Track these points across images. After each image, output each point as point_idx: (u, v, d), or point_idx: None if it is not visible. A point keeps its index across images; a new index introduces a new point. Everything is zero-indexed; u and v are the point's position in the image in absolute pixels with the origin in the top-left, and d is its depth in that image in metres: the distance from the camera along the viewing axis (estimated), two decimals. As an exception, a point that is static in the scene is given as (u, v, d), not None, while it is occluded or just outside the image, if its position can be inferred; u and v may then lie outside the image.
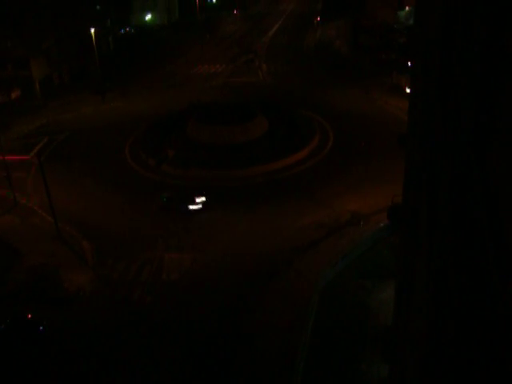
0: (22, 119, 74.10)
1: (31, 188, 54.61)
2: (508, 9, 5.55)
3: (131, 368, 33.19)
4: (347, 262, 41.37)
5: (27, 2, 77.56)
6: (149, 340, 35.26)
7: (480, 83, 6.59)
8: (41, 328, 35.99)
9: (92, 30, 77.90)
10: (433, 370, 8.49)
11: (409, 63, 73.01)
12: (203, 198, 49.49)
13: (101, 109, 78.03)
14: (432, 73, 12.71)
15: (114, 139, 65.98)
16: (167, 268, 42.06)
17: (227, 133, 60.62)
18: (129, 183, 55.36)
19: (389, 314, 32.50)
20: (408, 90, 69.56)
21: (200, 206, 49.16)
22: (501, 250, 5.07)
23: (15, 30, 76.78)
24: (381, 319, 35.51)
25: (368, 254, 42.30)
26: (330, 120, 67.40)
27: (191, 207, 49.09)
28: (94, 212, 50.27)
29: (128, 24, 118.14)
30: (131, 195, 52.90)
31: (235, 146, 58.66)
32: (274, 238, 44.67)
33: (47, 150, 64.00)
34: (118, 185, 55.03)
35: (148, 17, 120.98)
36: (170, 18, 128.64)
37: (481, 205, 5.81)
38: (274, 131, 62.26)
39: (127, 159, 60.59)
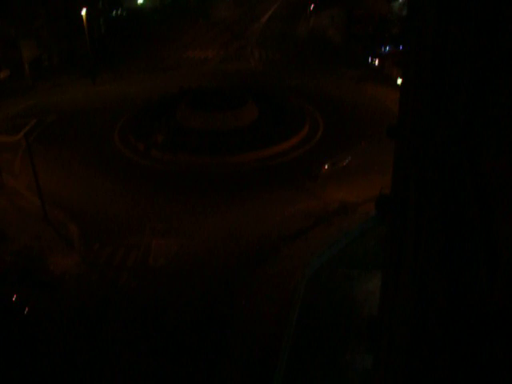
0: (11, 100, 73.43)
1: (19, 170, 54.21)
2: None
3: (115, 352, 33.16)
4: (334, 252, 41.48)
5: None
6: (133, 324, 35.24)
7: (474, 74, 6.50)
8: (26, 310, 35.88)
9: (83, 11, 77.01)
10: (416, 362, 8.47)
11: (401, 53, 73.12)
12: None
13: (91, 91, 77.41)
14: (424, 63, 12.63)
15: (103, 122, 65.55)
16: (154, 253, 41.97)
17: (217, 118, 60.36)
18: (117, 168, 55.06)
19: (374, 304, 32.67)
20: (399, 81, 69.63)
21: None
22: (491, 244, 5.01)
23: (5, 10, 75.79)
24: (366, 310, 35.67)
25: (355, 244, 42.43)
26: (321, 108, 67.28)
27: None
28: (82, 196, 50.00)
29: (120, 6, 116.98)
30: (119, 180, 52.64)
31: (225, 132, 58.46)
32: (263, 225, 44.67)
33: (35, 132, 63.46)
34: (106, 169, 54.73)
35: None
36: (162, 1, 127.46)
37: (472, 198, 5.74)
38: (265, 118, 62.11)
39: (115, 143, 60.22)
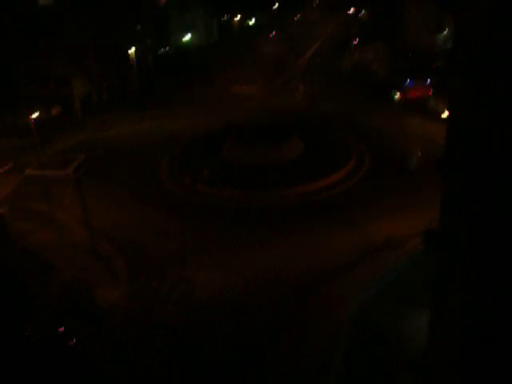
0: (61, 135, 75.58)
1: (68, 203, 55.44)
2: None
3: (160, 386, 33.15)
4: (381, 287, 40.83)
5: (70, 20, 79.33)
6: (177, 359, 35.20)
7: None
8: (73, 341, 36.29)
9: (132, 49, 79.15)
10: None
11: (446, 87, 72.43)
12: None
13: (138, 127, 79.08)
14: (473, 98, 12.54)
15: (150, 157, 66.76)
16: (199, 287, 42.06)
17: (262, 154, 60.83)
18: (164, 202, 55.79)
19: (423, 341, 31.92)
20: (445, 115, 68.98)
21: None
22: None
23: (58, 48, 78.45)
24: (414, 346, 34.87)
25: (402, 279, 41.70)
26: (366, 143, 67.09)
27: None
28: (129, 229, 50.72)
29: (167, 43, 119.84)
30: (166, 214, 53.28)
31: (271, 167, 58.78)
32: (307, 260, 44.39)
33: (84, 167, 65.00)
34: (153, 203, 55.52)
35: (187, 37, 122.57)
36: (208, 38, 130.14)
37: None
38: (310, 152, 62.29)
39: (162, 178, 61.15)
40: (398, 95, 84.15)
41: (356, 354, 35.10)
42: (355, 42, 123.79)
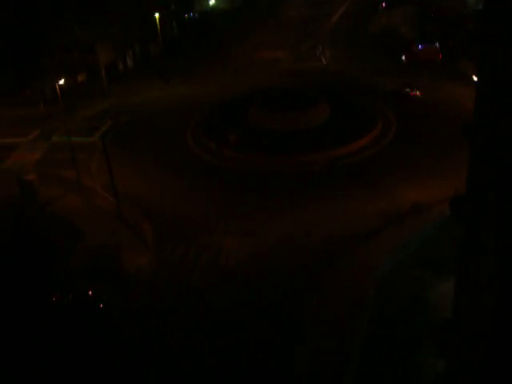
0: (87, 102, 75.89)
1: (95, 170, 55.94)
2: None
3: (184, 350, 33.61)
4: (407, 253, 40.70)
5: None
6: (205, 321, 35.63)
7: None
8: (101, 305, 36.94)
9: (156, 15, 78.55)
10: (496, 367, 8.19)
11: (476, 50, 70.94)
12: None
13: (164, 93, 79.01)
14: (506, 60, 12.20)
15: (176, 123, 66.81)
16: (226, 253, 42.32)
17: (288, 119, 60.44)
18: (190, 167, 55.95)
19: (447, 307, 31.82)
20: (475, 78, 67.63)
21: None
22: None
23: (82, 16, 78.26)
24: (439, 313, 34.82)
25: (429, 245, 41.49)
26: (393, 107, 66.24)
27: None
28: (155, 195, 51.05)
29: (192, 9, 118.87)
30: (192, 179, 53.47)
31: (297, 132, 58.45)
32: (334, 224, 44.35)
33: (111, 134, 65.32)
34: (179, 169, 55.73)
35: (211, 1, 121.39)
36: (233, 2, 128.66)
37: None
38: (336, 117, 61.76)
39: (188, 143, 61.24)
40: (403, 58, 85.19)
41: (380, 320, 35.20)
42: (383, 5, 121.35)
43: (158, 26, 79.27)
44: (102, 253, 42.72)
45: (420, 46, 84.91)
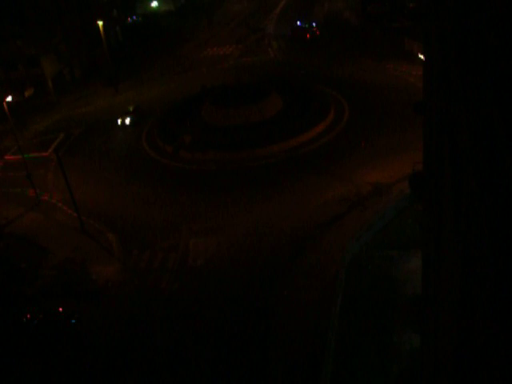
0: (38, 117, 74.57)
1: (52, 184, 55.02)
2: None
3: (163, 356, 33.45)
4: (372, 234, 41.21)
5: (32, 1, 77.53)
6: (179, 323, 35.51)
7: (502, 39, 6.35)
8: (73, 321, 36.46)
9: (100, 23, 77.54)
10: (467, 338, 8.33)
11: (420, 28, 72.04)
12: None
13: (114, 100, 78.12)
14: (449, 35, 12.39)
15: (130, 129, 66.14)
16: (192, 254, 42.20)
17: (242, 113, 60.38)
18: (148, 172, 55.50)
19: (416, 283, 32.36)
20: (421, 56, 68.69)
21: None
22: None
23: (23, 28, 76.79)
24: (409, 289, 35.38)
25: (392, 224, 42.08)
26: (344, 92, 66.77)
27: None
28: (116, 203, 50.53)
29: (134, 12, 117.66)
30: (151, 183, 53.06)
31: (251, 126, 58.44)
32: (297, 215, 44.58)
33: (65, 146, 64.36)
34: (137, 175, 55.20)
35: (154, 4, 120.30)
36: (175, 2, 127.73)
37: (509, 165, 5.61)
38: (289, 108, 61.95)
39: (144, 148, 60.70)
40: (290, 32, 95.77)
41: (352, 303, 35.59)
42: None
43: (102, 34, 78.19)
44: (68, 268, 42.19)
45: (299, 24, 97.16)
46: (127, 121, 66.63)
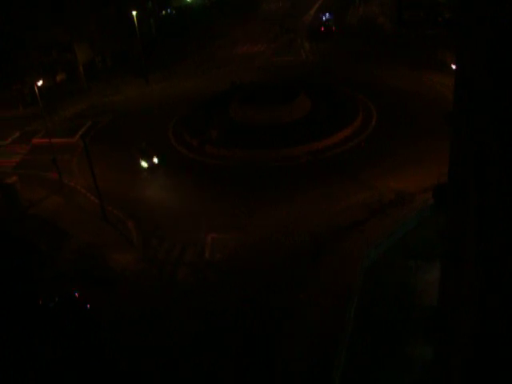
0: (67, 102, 75.32)
1: (76, 170, 55.55)
2: None
3: (174, 347, 33.60)
4: (391, 242, 40.92)
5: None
6: (193, 318, 35.62)
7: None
8: (87, 306, 36.77)
9: (134, 13, 78.01)
10: (484, 353, 8.26)
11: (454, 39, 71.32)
12: None
13: (144, 91, 78.60)
14: (481, 49, 12.27)
15: (157, 121, 66.49)
16: (211, 248, 42.31)
17: (270, 113, 60.38)
18: (173, 165, 55.73)
19: (434, 295, 32.07)
20: (453, 67, 68.01)
21: None
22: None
23: (60, 16, 77.49)
24: (425, 301, 35.07)
25: (413, 233, 41.75)
26: (374, 98, 66.40)
27: None
28: (139, 193, 50.88)
29: (169, 5, 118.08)
30: (175, 176, 53.32)
31: (278, 126, 58.39)
32: (318, 218, 44.44)
33: (91, 133, 64.92)
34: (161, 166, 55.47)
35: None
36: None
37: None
38: (317, 110, 61.78)
39: (170, 140, 60.98)
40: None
41: (367, 310, 35.39)
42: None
43: (136, 24, 78.66)
44: (87, 253, 42.56)
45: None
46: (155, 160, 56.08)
